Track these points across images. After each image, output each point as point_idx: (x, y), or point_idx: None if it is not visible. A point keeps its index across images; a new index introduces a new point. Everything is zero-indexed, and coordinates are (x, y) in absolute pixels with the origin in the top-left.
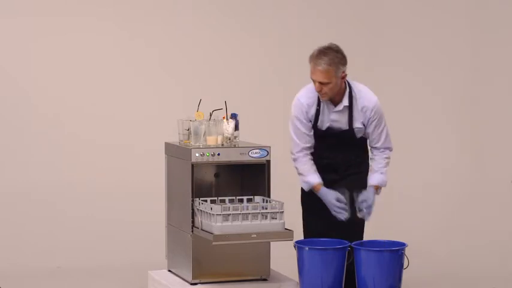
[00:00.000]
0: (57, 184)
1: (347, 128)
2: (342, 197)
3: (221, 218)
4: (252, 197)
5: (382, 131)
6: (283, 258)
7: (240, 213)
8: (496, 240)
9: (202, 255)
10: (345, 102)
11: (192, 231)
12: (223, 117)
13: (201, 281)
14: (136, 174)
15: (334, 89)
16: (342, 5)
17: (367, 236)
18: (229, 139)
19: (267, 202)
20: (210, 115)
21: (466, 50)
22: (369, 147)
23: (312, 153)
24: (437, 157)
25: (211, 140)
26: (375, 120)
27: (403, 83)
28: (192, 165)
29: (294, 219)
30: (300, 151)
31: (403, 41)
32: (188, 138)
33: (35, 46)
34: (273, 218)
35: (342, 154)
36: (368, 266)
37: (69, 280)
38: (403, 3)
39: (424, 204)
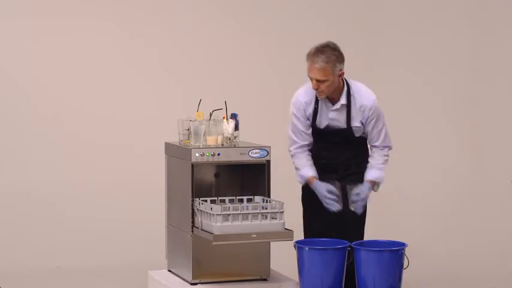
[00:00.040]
0: (57, 184)
1: (345, 126)
2: (333, 189)
3: (221, 218)
4: (252, 197)
5: (381, 129)
6: (283, 258)
7: (240, 213)
8: (496, 240)
9: (202, 255)
10: (343, 100)
11: (192, 231)
12: (223, 117)
13: (201, 281)
14: (136, 174)
15: (331, 87)
16: (342, 5)
17: (367, 236)
18: (229, 139)
19: (267, 202)
20: (210, 115)
21: (466, 50)
22: (369, 146)
23: (310, 152)
24: (437, 157)
25: (211, 140)
26: (373, 119)
27: (403, 83)
28: (192, 165)
29: (294, 219)
30: (298, 147)
31: (403, 41)
32: (188, 138)
33: (35, 46)
34: (273, 218)
35: (341, 153)
36: (368, 266)
37: (69, 280)
38: (403, 3)
39: (424, 204)
